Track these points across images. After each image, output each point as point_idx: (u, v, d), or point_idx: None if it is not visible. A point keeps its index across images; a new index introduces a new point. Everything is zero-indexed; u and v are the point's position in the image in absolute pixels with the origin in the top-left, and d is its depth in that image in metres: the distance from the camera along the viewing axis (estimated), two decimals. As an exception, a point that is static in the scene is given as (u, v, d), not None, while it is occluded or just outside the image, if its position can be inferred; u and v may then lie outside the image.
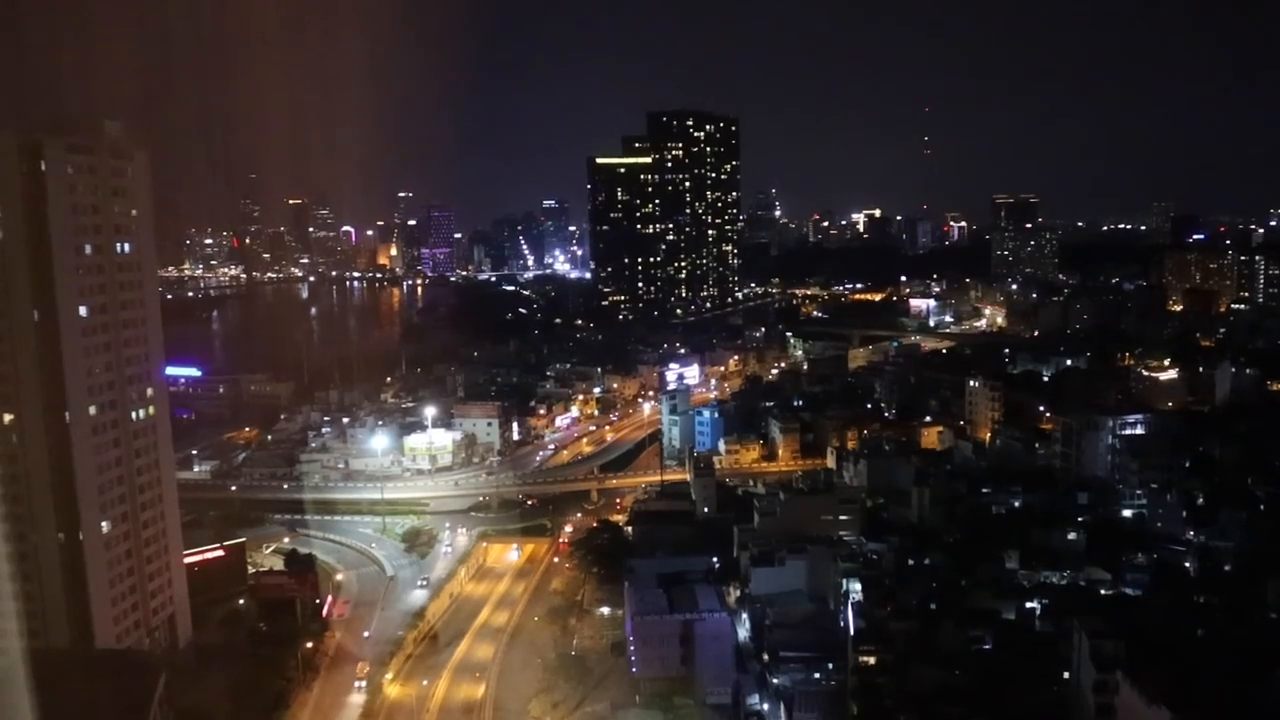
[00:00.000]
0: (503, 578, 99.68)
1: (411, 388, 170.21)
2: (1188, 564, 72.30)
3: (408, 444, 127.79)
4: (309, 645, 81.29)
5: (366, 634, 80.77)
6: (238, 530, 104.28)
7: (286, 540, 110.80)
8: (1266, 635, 52.73)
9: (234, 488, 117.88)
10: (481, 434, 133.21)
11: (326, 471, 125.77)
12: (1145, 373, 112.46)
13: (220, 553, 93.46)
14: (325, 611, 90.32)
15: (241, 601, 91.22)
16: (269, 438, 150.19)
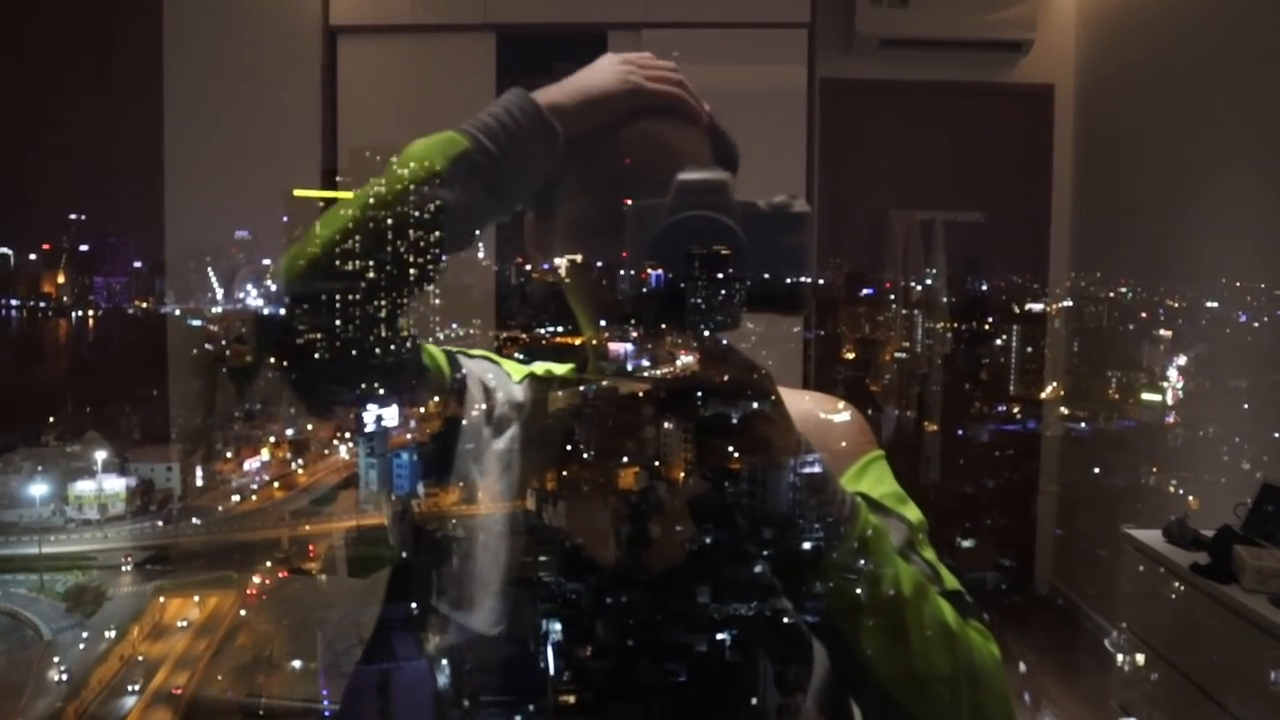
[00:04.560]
0: (182, 635, 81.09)
1: (79, 429, 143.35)
2: (859, 590, 72.46)
3: (73, 492, 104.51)
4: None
5: (17, 708, 60.16)
6: None
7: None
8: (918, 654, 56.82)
9: None
10: (160, 479, 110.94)
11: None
12: (821, 415, 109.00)
13: None
14: (-35, 686, 69.78)
15: None
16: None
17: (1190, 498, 2.29)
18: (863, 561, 0.53)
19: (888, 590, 0.53)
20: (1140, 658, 1.83)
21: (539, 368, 0.72)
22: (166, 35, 3.00)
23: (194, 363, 3.66)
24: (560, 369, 0.72)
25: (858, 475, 0.64)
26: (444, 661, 0.60)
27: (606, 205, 0.56)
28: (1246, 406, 2.12)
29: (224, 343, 4.47)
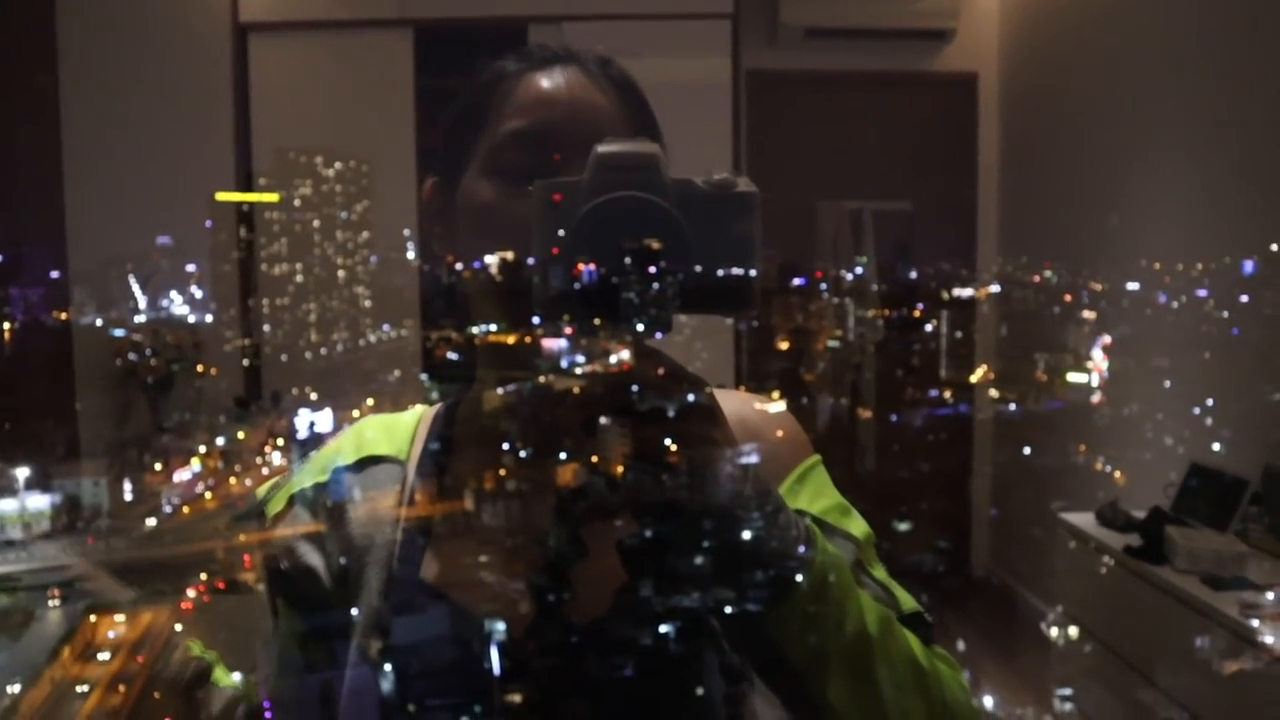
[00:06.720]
0: (116, 653, 79.91)
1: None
2: (800, 578, 72.50)
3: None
4: None
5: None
6: None
7: None
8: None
9: None
10: (88, 495, 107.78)
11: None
12: (757, 405, 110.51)
13: None
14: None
15: None
16: None
17: (1118, 473, 2.34)
18: (822, 598, 0.46)
19: (851, 628, 0.46)
20: (1076, 637, 1.86)
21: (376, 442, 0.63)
22: (60, 36, 2.89)
23: (116, 374, 3.55)
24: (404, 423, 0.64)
25: (794, 486, 0.58)
26: (387, 667, 0.54)
27: (506, 186, 0.51)
28: (1168, 385, 2.16)
29: (148, 352, 4.36)
